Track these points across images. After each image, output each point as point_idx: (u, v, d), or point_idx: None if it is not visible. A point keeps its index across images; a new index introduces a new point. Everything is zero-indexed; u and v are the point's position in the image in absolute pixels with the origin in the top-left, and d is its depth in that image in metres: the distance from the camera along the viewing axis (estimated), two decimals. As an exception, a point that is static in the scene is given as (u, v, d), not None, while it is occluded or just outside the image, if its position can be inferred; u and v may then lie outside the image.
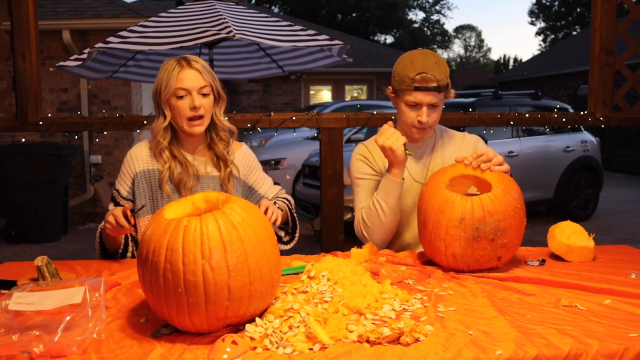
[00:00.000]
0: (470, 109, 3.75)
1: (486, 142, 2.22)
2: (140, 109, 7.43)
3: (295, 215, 2.12)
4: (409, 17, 35.99)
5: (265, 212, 1.81)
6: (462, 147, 2.08)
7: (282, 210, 1.99)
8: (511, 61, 40.86)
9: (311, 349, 1.12)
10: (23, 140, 5.86)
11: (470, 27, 49.83)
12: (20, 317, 1.18)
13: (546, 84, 17.43)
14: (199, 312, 1.17)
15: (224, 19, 3.32)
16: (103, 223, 1.84)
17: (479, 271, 1.64)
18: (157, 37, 3.25)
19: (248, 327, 1.20)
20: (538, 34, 38.20)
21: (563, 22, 35.11)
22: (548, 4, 35.93)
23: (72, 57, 3.88)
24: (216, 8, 3.61)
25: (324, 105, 10.33)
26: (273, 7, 30.57)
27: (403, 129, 2.05)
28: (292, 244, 2.13)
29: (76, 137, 6.61)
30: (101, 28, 6.72)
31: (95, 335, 1.18)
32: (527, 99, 7.22)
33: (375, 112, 3.01)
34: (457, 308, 1.34)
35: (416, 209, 1.80)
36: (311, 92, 15.35)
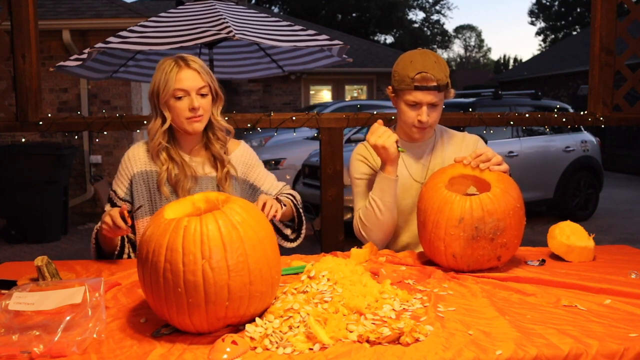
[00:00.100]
0: (470, 109, 3.75)
1: (486, 142, 2.22)
2: (140, 109, 7.43)
3: (301, 211, 2.08)
4: (409, 17, 36.01)
5: (264, 207, 1.77)
6: (462, 147, 2.09)
7: (285, 205, 1.94)
8: (511, 61, 40.90)
9: (311, 349, 1.12)
10: (23, 140, 5.86)
11: (470, 27, 49.88)
12: (20, 317, 1.18)
13: (546, 84, 17.43)
14: (199, 312, 1.17)
15: (224, 19, 3.32)
16: (99, 224, 1.82)
17: (479, 271, 1.64)
18: (157, 37, 3.25)
19: (248, 327, 1.20)
20: (538, 34, 38.23)
21: (563, 22, 35.11)
22: (548, 4, 35.93)
23: (72, 57, 3.88)
24: (216, 8, 3.61)
25: (324, 105, 10.34)
26: (273, 7, 30.57)
27: (403, 129, 2.05)
28: (298, 241, 2.10)
29: (76, 137, 6.61)
30: (101, 28, 6.72)
31: (95, 335, 1.18)
32: (527, 99, 7.22)
33: (375, 112, 3.01)
34: (457, 308, 1.34)
35: (416, 208, 1.80)
36: (311, 92, 15.35)
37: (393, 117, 2.69)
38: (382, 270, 1.62)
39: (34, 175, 5.77)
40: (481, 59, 50.52)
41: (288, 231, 2.08)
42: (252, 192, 2.05)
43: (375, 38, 31.59)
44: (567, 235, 1.78)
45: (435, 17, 38.47)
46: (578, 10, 33.03)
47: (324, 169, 2.87)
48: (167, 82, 1.81)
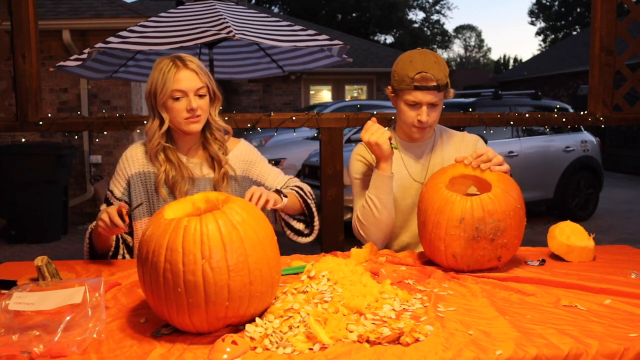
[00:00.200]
0: (470, 109, 3.75)
1: (486, 142, 2.22)
2: (140, 109, 7.43)
3: (310, 203, 2.00)
4: (409, 17, 36.02)
5: (252, 199, 1.71)
6: (462, 146, 2.09)
7: (286, 196, 1.87)
8: (511, 61, 40.90)
9: (311, 349, 1.11)
10: (23, 140, 5.87)
11: (470, 27, 49.88)
12: (20, 317, 1.18)
13: (546, 84, 17.43)
14: (199, 312, 1.17)
15: (224, 19, 3.32)
16: (94, 223, 1.79)
17: (479, 271, 1.64)
18: (157, 37, 3.25)
19: (248, 327, 1.20)
20: (538, 34, 38.23)
21: (563, 22, 35.12)
22: (548, 4, 35.93)
23: (72, 57, 3.88)
24: (216, 8, 3.61)
25: (324, 105, 10.33)
26: (273, 7, 30.57)
27: (403, 129, 2.05)
28: (313, 236, 2.02)
29: (76, 137, 6.61)
30: (101, 28, 6.72)
31: (95, 335, 1.18)
32: (527, 99, 7.22)
33: (375, 112, 3.01)
34: (457, 308, 1.34)
35: (416, 208, 1.80)
36: (311, 92, 15.34)
37: (393, 117, 2.69)
38: (382, 270, 1.62)
39: (34, 175, 5.77)
40: (481, 59, 50.56)
41: (301, 225, 2.02)
42: None
43: (375, 38, 31.60)
44: (567, 235, 1.78)
45: (435, 17, 38.53)
46: (578, 10, 33.04)
47: (324, 169, 2.87)
48: (165, 83, 1.79)
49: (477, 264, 1.63)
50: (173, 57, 1.83)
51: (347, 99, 14.75)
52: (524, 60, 34.04)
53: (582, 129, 7.23)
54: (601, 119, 3.02)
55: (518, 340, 1.14)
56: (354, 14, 30.84)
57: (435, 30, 39.41)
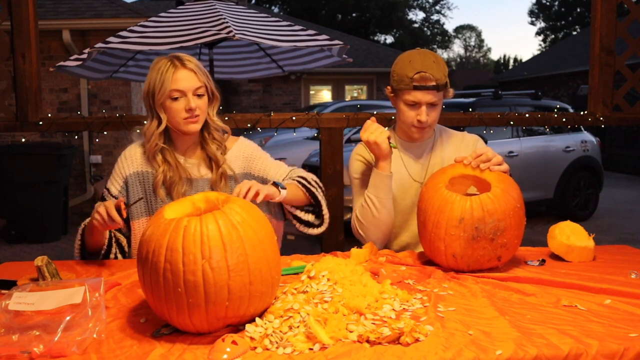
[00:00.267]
0: (470, 109, 3.75)
1: (486, 142, 2.22)
2: (140, 109, 7.43)
3: (315, 192, 1.93)
4: (409, 17, 36.03)
5: (240, 194, 1.64)
6: (462, 146, 2.09)
7: (284, 188, 1.81)
8: (511, 61, 40.91)
9: (311, 349, 1.12)
10: (23, 140, 5.86)
11: (470, 27, 49.89)
12: (20, 317, 1.18)
13: (546, 84, 17.43)
14: (199, 312, 1.17)
15: (224, 19, 3.32)
16: (89, 219, 1.75)
17: (479, 271, 1.64)
18: (157, 37, 3.25)
19: (248, 327, 1.20)
20: (538, 34, 38.24)
21: (563, 22, 35.12)
22: (548, 4, 35.93)
23: (72, 57, 3.88)
24: (216, 8, 3.61)
25: (324, 105, 10.33)
26: (273, 7, 30.58)
27: (402, 129, 2.05)
28: (324, 227, 1.97)
29: (76, 137, 6.61)
30: (101, 28, 6.71)
31: (95, 335, 1.18)
32: (527, 99, 7.22)
33: (375, 112, 3.01)
34: (457, 308, 1.34)
35: (415, 208, 1.80)
36: (311, 92, 15.34)
37: (393, 117, 2.69)
38: (382, 270, 1.62)
39: (34, 175, 5.77)
40: (481, 59, 50.56)
41: (310, 217, 1.97)
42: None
43: (375, 38, 31.61)
44: (567, 235, 1.78)
45: (435, 17, 38.54)
46: (578, 10, 33.04)
47: (324, 169, 2.87)
48: (163, 83, 1.77)
49: (477, 264, 1.63)
50: (171, 57, 1.81)
51: (347, 99, 14.75)
52: (524, 60, 34.07)
53: (582, 129, 7.23)
54: (601, 119, 3.02)
55: (518, 340, 1.14)
56: (354, 14, 30.85)
57: (435, 30, 39.44)
